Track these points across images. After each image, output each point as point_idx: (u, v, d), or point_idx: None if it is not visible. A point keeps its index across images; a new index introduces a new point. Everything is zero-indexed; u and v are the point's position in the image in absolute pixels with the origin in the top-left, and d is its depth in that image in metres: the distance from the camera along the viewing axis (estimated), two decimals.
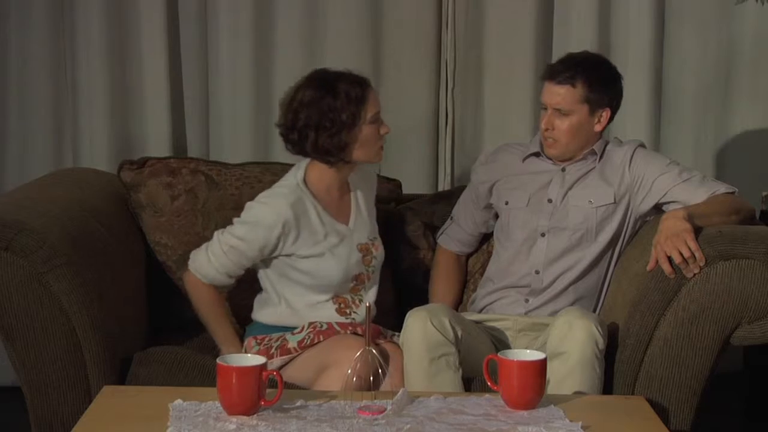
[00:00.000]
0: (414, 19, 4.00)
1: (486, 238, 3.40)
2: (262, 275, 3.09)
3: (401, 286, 3.43)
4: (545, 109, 3.14)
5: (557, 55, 3.63)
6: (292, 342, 2.96)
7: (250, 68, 3.98)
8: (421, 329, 2.82)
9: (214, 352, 3.03)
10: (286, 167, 3.18)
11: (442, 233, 3.41)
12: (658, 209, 3.12)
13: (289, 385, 2.71)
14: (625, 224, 3.15)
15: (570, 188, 3.16)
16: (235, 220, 3.04)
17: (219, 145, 4.01)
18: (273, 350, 2.95)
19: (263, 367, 2.42)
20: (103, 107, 3.98)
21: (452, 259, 3.39)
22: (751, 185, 3.83)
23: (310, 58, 3.89)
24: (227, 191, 3.35)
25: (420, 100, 4.04)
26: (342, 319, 3.03)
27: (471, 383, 2.89)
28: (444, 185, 4.07)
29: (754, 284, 2.79)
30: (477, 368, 2.79)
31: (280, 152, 3.16)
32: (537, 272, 3.15)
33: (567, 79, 3.09)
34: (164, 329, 3.27)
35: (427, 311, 2.87)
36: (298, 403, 2.50)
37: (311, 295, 3.04)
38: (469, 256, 3.42)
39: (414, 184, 3.94)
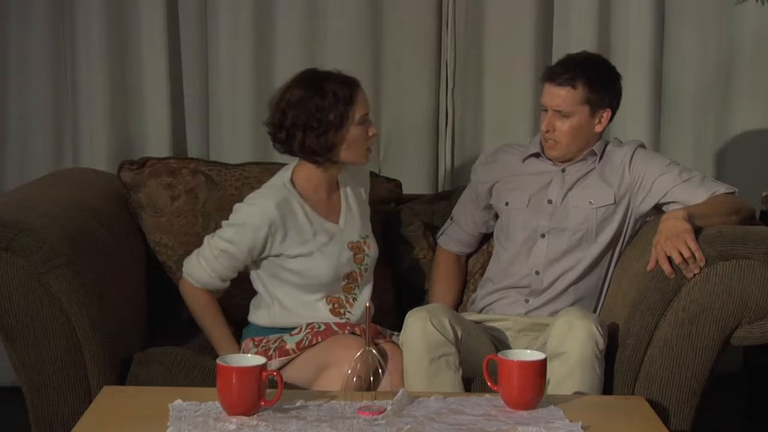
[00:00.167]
0: (414, 19, 4.00)
1: (486, 238, 3.40)
2: (254, 277, 3.10)
3: (401, 286, 3.43)
4: (545, 110, 3.14)
5: (557, 55, 3.63)
6: (291, 343, 2.96)
7: (250, 68, 3.98)
8: (421, 329, 2.82)
9: (214, 352, 3.03)
10: None
11: (442, 233, 3.41)
12: (658, 209, 3.12)
13: (288, 386, 2.71)
14: (625, 225, 3.15)
15: (570, 189, 3.16)
16: (224, 222, 3.05)
17: (219, 145, 4.01)
18: (271, 351, 2.95)
19: (263, 367, 2.42)
20: (103, 107, 3.97)
21: (452, 259, 3.39)
22: (751, 185, 3.83)
23: (310, 58, 3.88)
24: (227, 191, 3.35)
25: (420, 100, 4.03)
26: (336, 320, 3.03)
27: (471, 383, 2.89)
28: (444, 185, 4.07)
29: (754, 284, 2.79)
30: (477, 368, 2.79)
31: (280, 153, 3.16)
32: (537, 273, 3.14)
33: (567, 80, 3.09)
34: (164, 329, 3.27)
35: (427, 311, 2.87)
36: (298, 403, 2.50)
37: (303, 295, 3.04)
38: (469, 256, 3.42)
39: (414, 184, 3.94)
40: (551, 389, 2.74)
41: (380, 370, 2.72)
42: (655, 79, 4.02)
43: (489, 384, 2.57)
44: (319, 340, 2.95)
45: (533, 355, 2.54)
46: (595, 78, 3.10)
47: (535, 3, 3.99)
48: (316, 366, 2.88)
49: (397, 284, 3.43)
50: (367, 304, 2.51)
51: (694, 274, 2.79)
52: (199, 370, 2.92)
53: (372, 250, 3.13)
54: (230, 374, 2.40)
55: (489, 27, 4.03)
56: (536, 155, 3.23)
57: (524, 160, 3.25)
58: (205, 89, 4.02)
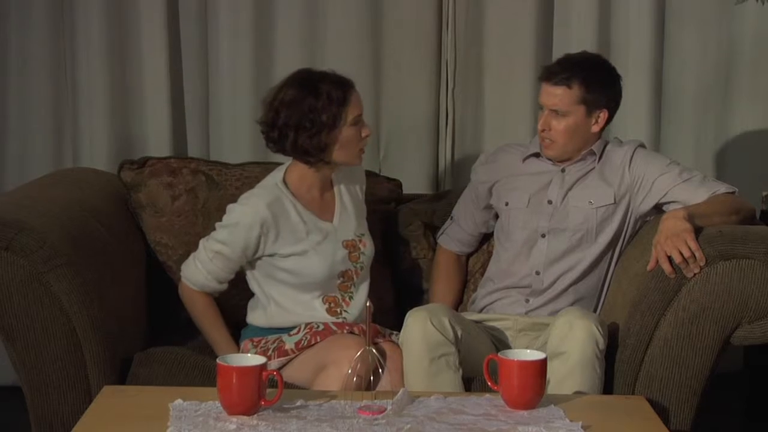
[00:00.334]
0: (414, 19, 4.00)
1: (486, 238, 3.40)
2: (250, 278, 3.10)
3: (401, 286, 3.43)
4: (543, 110, 3.14)
5: (557, 55, 3.62)
6: (289, 343, 2.97)
7: (251, 68, 3.98)
8: (420, 329, 2.82)
9: (214, 352, 3.03)
10: None
11: (442, 233, 3.41)
12: (658, 209, 3.12)
13: (288, 385, 2.71)
14: (626, 225, 3.15)
15: (570, 189, 3.16)
16: (217, 224, 3.06)
17: (219, 145, 4.01)
18: (270, 352, 2.96)
19: (263, 367, 2.42)
20: (103, 107, 3.97)
21: (452, 259, 3.39)
22: (751, 185, 3.83)
23: (310, 58, 3.88)
24: (227, 191, 3.35)
25: (420, 100, 4.03)
26: (333, 319, 3.03)
27: (471, 383, 2.89)
28: (444, 185, 4.07)
29: (754, 284, 2.79)
30: (477, 368, 2.79)
31: (272, 152, 3.17)
32: (537, 273, 3.15)
33: (563, 80, 3.09)
34: (164, 329, 3.27)
35: (427, 311, 2.87)
36: (298, 403, 2.50)
37: (298, 294, 3.04)
38: (469, 256, 3.42)
39: (414, 184, 3.94)
40: (551, 389, 2.74)
41: (380, 370, 2.72)
42: (655, 79, 4.02)
43: (489, 384, 2.57)
44: (318, 340, 2.95)
45: (533, 355, 2.54)
46: (592, 78, 3.10)
47: (535, 3, 3.99)
48: (315, 366, 2.88)
49: (397, 284, 3.43)
50: (367, 304, 2.51)
51: (694, 274, 2.79)
52: (199, 370, 2.93)
53: (368, 248, 3.13)
54: (230, 374, 2.40)
55: (489, 27, 4.03)
56: (536, 155, 3.23)
57: (524, 160, 3.25)
58: (205, 89, 4.02)
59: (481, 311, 3.20)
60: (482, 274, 3.32)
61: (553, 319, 2.93)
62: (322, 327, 2.98)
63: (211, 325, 3.07)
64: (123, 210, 3.35)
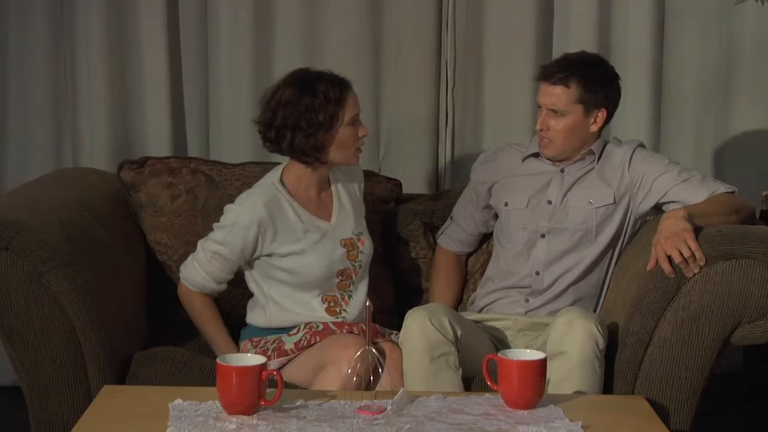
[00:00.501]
0: (414, 19, 4.00)
1: (486, 237, 3.40)
2: (249, 278, 3.10)
3: (401, 286, 3.44)
4: (542, 109, 3.14)
5: (557, 55, 3.62)
6: (289, 343, 2.97)
7: (250, 68, 3.98)
8: (420, 329, 2.82)
9: (214, 352, 3.03)
10: None
11: (442, 233, 3.41)
12: (658, 209, 3.12)
13: (288, 385, 2.71)
14: (625, 225, 3.15)
15: (569, 189, 3.16)
16: (215, 225, 3.06)
17: (219, 145, 4.01)
18: (270, 352, 2.96)
19: (263, 366, 2.42)
20: (103, 107, 3.98)
21: (452, 258, 3.39)
22: (751, 185, 3.83)
23: (310, 58, 3.88)
24: (227, 191, 3.35)
25: (420, 100, 4.03)
26: (332, 318, 3.03)
27: (471, 383, 2.89)
28: (444, 185, 4.07)
29: (754, 284, 2.79)
30: (477, 368, 2.79)
31: (269, 151, 3.17)
32: (537, 273, 3.14)
33: (561, 79, 3.09)
34: (164, 329, 3.27)
35: (427, 311, 2.87)
36: (298, 403, 2.50)
37: (297, 294, 3.04)
38: (469, 255, 3.42)
39: (414, 184, 3.94)
40: (551, 389, 2.74)
41: (379, 369, 2.72)
42: (655, 79, 4.02)
43: (489, 383, 2.57)
44: (318, 339, 2.95)
45: (533, 355, 2.54)
46: (590, 78, 3.10)
47: (535, 3, 3.99)
48: (315, 365, 2.88)
49: (397, 284, 3.43)
50: (367, 304, 2.51)
51: (694, 274, 2.79)
52: (199, 370, 2.93)
53: (366, 246, 3.13)
54: (230, 374, 2.40)
55: (489, 27, 4.03)
56: (536, 155, 3.23)
57: (524, 160, 3.25)
58: (204, 89, 4.02)
59: (480, 311, 3.20)
60: (482, 274, 3.32)
61: (553, 319, 2.93)
62: (321, 327, 2.98)
63: (210, 325, 3.08)
64: (123, 210, 3.35)
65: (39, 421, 2.86)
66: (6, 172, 4.05)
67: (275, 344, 2.98)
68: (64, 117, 4.05)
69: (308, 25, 3.98)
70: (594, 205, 3.13)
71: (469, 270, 3.42)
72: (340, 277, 3.07)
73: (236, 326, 3.14)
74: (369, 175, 3.41)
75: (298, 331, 3.00)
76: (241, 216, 3.00)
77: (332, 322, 3.01)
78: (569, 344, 2.79)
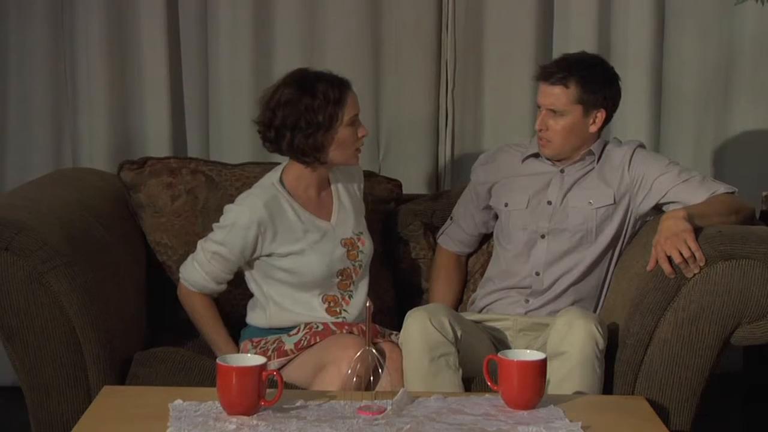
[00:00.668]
0: (414, 19, 4.00)
1: (486, 238, 3.40)
2: (249, 278, 3.10)
3: (401, 286, 3.44)
4: (541, 109, 3.14)
5: (557, 55, 3.62)
6: (289, 344, 2.97)
7: (250, 68, 3.98)
8: (420, 329, 2.82)
9: (214, 352, 3.03)
10: None
11: (442, 233, 3.41)
12: (658, 209, 3.12)
13: (288, 386, 2.71)
14: (625, 225, 3.15)
15: (569, 189, 3.16)
16: (214, 225, 3.06)
17: (219, 145, 4.01)
18: (270, 352, 2.95)
19: (263, 367, 2.42)
20: (103, 107, 3.98)
21: (452, 259, 3.39)
22: (751, 185, 3.83)
23: (310, 58, 3.88)
24: (227, 191, 3.35)
25: (420, 100, 4.03)
26: (333, 319, 3.03)
27: (471, 383, 2.89)
28: (444, 185, 4.07)
29: (754, 284, 2.79)
30: (477, 368, 2.79)
31: (269, 151, 3.18)
32: (537, 274, 3.14)
33: (560, 79, 3.09)
34: (164, 329, 3.27)
35: (427, 311, 2.87)
36: (298, 403, 2.50)
37: (297, 294, 3.04)
38: (469, 256, 3.42)
39: (414, 184, 3.94)
40: (551, 389, 2.74)
41: (379, 370, 2.72)
42: (655, 79, 4.02)
43: (489, 384, 2.57)
44: (318, 340, 2.95)
45: (533, 355, 2.54)
46: (589, 78, 3.10)
47: (534, 3, 3.99)
48: (315, 366, 2.88)
49: (397, 284, 3.43)
50: (367, 304, 2.51)
51: (694, 274, 2.79)
52: (199, 370, 2.93)
53: (366, 246, 3.13)
54: (230, 374, 2.40)
55: (489, 27, 4.03)
56: (535, 155, 3.23)
57: (523, 160, 3.25)
58: (205, 89, 4.02)
59: (480, 311, 3.20)
60: (482, 275, 3.32)
61: (553, 319, 2.93)
62: (321, 327, 2.98)
63: (209, 326, 3.08)
64: (123, 210, 3.35)
65: (39, 421, 2.86)
66: (6, 172, 4.05)
67: (275, 344, 2.98)
68: (64, 117, 4.05)
69: (308, 25, 3.98)
70: (594, 205, 3.13)
71: (469, 270, 3.42)
72: (340, 277, 3.07)
73: (236, 326, 3.14)
74: (369, 175, 3.41)
75: (297, 332, 3.00)
76: (240, 216, 3.00)
77: (332, 323, 3.01)
78: (569, 344, 2.79)
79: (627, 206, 3.14)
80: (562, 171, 3.19)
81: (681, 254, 2.78)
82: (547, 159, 3.20)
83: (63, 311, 2.79)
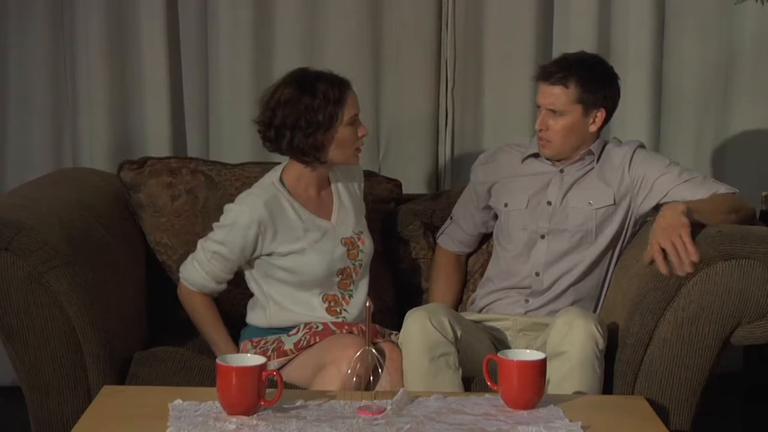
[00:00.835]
0: (414, 19, 4.00)
1: (486, 238, 3.40)
2: (249, 278, 3.10)
3: (401, 286, 3.44)
4: (540, 109, 3.14)
5: (557, 55, 3.62)
6: (289, 344, 2.97)
7: (250, 68, 3.98)
8: (420, 329, 2.82)
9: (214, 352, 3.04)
10: None
11: (441, 233, 3.41)
12: (658, 210, 3.10)
13: (288, 385, 2.71)
14: (626, 225, 3.15)
15: (569, 190, 3.16)
16: (215, 225, 3.06)
17: (219, 145, 4.02)
18: (270, 352, 2.96)
19: (263, 367, 2.42)
20: (103, 107, 3.98)
21: (452, 259, 3.39)
22: (751, 185, 3.83)
23: (310, 58, 3.88)
24: (227, 191, 3.36)
25: (420, 100, 4.03)
26: (333, 318, 3.03)
27: (471, 383, 2.89)
28: (444, 185, 4.07)
29: (754, 284, 2.78)
30: (477, 368, 2.79)
31: (269, 151, 3.18)
32: (537, 274, 3.14)
33: (560, 79, 3.09)
34: (164, 329, 3.27)
35: (427, 311, 2.87)
36: (298, 403, 2.50)
37: (297, 293, 3.05)
38: (469, 256, 3.42)
39: (414, 184, 3.94)
40: (551, 389, 2.73)
41: (379, 369, 2.72)
42: (655, 79, 4.02)
43: (489, 384, 2.57)
44: (317, 340, 2.95)
45: (533, 355, 2.54)
46: (589, 78, 3.10)
47: (534, 3, 4.00)
48: (315, 366, 2.88)
49: (397, 284, 3.43)
50: (367, 304, 2.51)
51: (690, 274, 2.78)
52: (199, 370, 2.93)
53: (367, 245, 3.13)
54: (230, 374, 2.40)
55: (489, 27, 4.03)
56: (535, 155, 3.23)
57: (523, 160, 3.25)
58: (205, 89, 4.03)
59: (480, 311, 3.20)
60: (482, 274, 3.32)
61: (553, 319, 2.93)
62: (321, 327, 2.99)
63: (209, 325, 3.08)
64: (123, 210, 3.36)
65: (39, 421, 2.86)
66: (6, 172, 4.05)
67: (275, 344, 2.98)
68: (64, 117, 4.05)
69: (308, 25, 3.98)
70: (594, 206, 3.13)
71: (469, 270, 3.42)
72: (340, 276, 3.07)
73: (236, 326, 3.14)
74: (369, 175, 3.41)
75: (297, 332, 3.00)
76: (240, 215, 3.00)
77: (332, 323, 3.01)
78: (569, 344, 2.79)
79: (627, 207, 3.14)
80: (561, 171, 3.19)
81: (675, 248, 2.75)
82: (547, 159, 3.20)
83: (63, 311, 2.79)
